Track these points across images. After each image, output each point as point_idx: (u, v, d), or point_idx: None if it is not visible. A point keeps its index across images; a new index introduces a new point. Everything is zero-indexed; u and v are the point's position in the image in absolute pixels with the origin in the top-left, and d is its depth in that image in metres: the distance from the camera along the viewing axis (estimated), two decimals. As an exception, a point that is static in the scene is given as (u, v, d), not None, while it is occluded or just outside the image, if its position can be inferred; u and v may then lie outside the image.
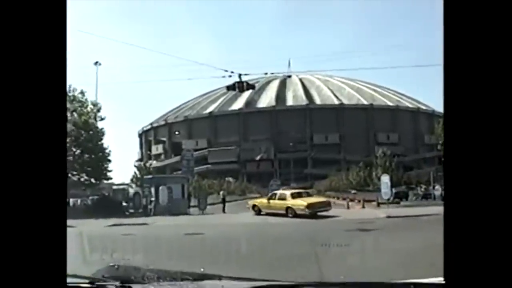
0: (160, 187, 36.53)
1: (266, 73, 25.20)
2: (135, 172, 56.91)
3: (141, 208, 37.29)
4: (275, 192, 33.26)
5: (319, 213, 27.64)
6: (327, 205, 29.70)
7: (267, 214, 28.81)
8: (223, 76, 24.12)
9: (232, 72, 23.19)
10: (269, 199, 30.95)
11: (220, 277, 3.34)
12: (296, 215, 27.11)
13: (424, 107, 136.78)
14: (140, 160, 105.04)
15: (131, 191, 44.74)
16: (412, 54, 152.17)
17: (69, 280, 2.94)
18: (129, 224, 25.73)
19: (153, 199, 36.85)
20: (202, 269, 3.69)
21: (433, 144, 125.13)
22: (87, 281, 3.18)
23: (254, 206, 32.03)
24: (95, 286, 3.16)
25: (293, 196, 29.71)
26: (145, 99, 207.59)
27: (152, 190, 37.24)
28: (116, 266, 3.56)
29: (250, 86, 23.65)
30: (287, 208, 28.17)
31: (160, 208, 35.25)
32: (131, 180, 55.82)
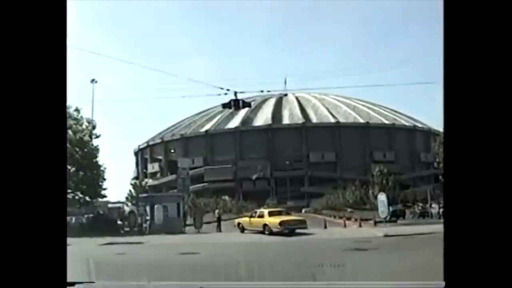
0: (156, 206, 36.29)
1: (262, 91, 24.95)
2: (130, 191, 56.47)
3: (137, 226, 37.03)
4: (256, 210, 35.61)
5: (317, 232, 29.08)
6: (301, 223, 30.87)
7: (261, 232, 29.68)
8: (219, 94, 23.80)
9: (228, 90, 22.91)
10: (250, 217, 33.06)
11: None
12: (272, 232, 28.65)
13: (420, 125, 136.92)
14: (136, 178, 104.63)
15: (127, 209, 44.42)
16: (409, 71, 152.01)
17: None
18: (123, 243, 25.40)
19: (148, 217, 36.56)
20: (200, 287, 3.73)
21: (430, 162, 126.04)
22: None
23: (238, 224, 34.06)
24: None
25: (270, 214, 31.46)
26: (142, 117, 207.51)
27: (148, 208, 36.99)
28: None
29: (246, 104, 23.27)
30: (264, 225, 29.97)
31: (156, 226, 34.97)
32: (126, 198, 55.42)
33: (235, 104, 22.86)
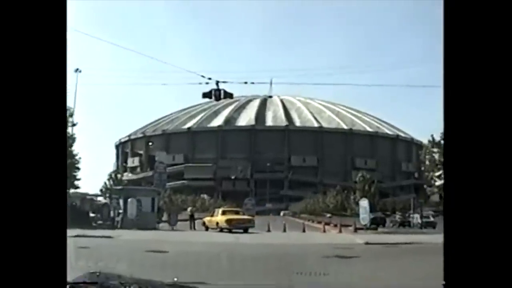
0: (129, 199, 34.79)
1: (246, 82, 23.22)
2: (105, 183, 54.97)
3: (110, 220, 35.79)
4: (215, 209, 38.77)
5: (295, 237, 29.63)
6: (248, 222, 33.45)
7: (235, 232, 30.92)
8: (200, 83, 22.15)
9: (210, 78, 21.40)
10: (211, 215, 36.30)
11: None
12: (222, 229, 31.92)
13: (403, 135, 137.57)
14: (116, 171, 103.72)
15: (100, 201, 43.18)
16: (402, 73, 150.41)
17: None
18: (91, 236, 24.14)
19: (121, 211, 35.18)
20: (175, 279, 3.68)
21: (410, 172, 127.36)
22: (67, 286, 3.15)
23: (203, 222, 36.43)
24: None
25: (222, 213, 34.61)
26: (123, 107, 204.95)
27: (121, 201, 35.59)
28: (97, 273, 3.58)
29: (228, 95, 21.50)
30: (216, 223, 33.11)
31: (128, 221, 33.56)
32: (101, 190, 53.92)
33: (216, 94, 21.26)
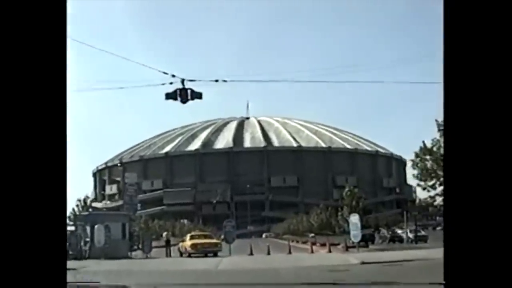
0: (96, 226, 31.72)
1: (217, 80, 19.94)
2: (73, 209, 51.80)
3: (77, 249, 32.74)
4: (187, 234, 40.05)
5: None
6: (214, 246, 33.66)
7: (211, 256, 30.86)
8: (163, 84, 18.96)
9: (174, 75, 18.30)
10: (182, 241, 37.22)
11: None
12: (189, 254, 32.20)
13: (383, 150, 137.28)
14: (94, 199, 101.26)
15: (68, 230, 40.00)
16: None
17: None
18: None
19: (88, 239, 32.03)
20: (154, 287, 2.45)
21: (391, 187, 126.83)
22: None
23: (178, 248, 36.56)
24: None
25: (190, 238, 35.67)
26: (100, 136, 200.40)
27: (88, 228, 32.42)
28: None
29: (196, 95, 18.39)
30: (185, 248, 33.70)
31: (96, 250, 30.51)
32: (69, 218, 50.68)
33: (182, 94, 18.14)
